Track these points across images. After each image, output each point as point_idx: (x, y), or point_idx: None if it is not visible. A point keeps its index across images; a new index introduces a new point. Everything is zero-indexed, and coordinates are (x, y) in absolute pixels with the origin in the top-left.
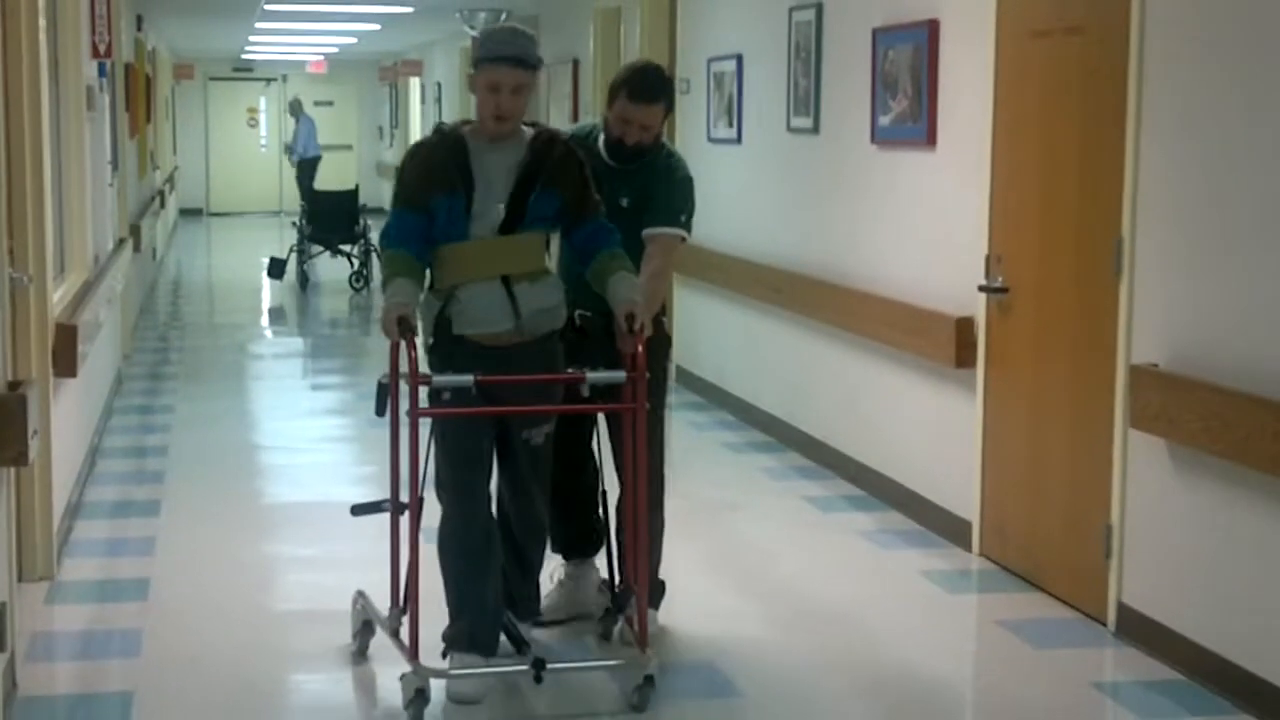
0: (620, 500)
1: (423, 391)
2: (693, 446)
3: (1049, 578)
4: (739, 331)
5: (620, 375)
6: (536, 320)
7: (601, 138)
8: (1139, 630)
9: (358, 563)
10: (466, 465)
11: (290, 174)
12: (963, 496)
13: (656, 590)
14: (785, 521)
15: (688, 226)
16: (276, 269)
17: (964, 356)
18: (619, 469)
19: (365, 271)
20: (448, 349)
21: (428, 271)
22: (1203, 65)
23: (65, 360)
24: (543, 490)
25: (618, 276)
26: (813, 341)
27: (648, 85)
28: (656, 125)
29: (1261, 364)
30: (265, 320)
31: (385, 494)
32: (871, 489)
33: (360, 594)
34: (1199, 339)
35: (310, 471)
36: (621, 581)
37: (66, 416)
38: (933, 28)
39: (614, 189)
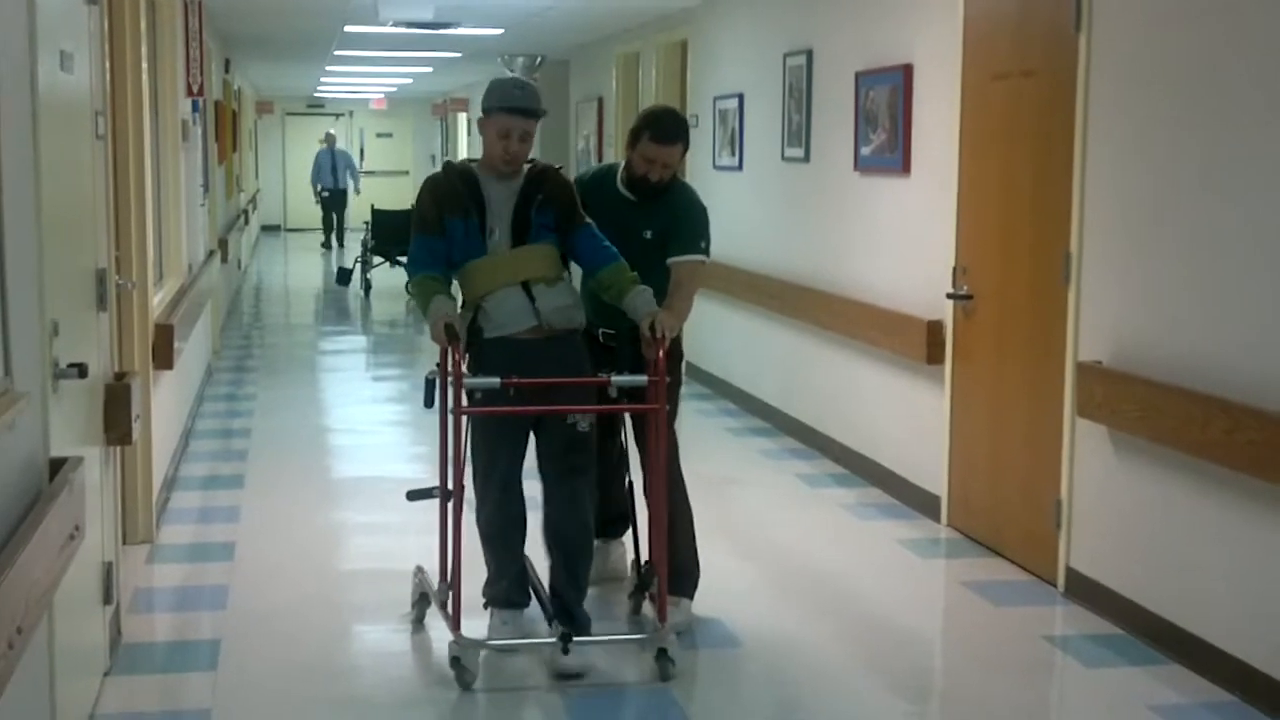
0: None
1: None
2: (700, 431)
3: (1007, 545)
4: (740, 332)
5: (643, 379)
6: (555, 317)
7: (621, 176)
8: (1085, 591)
9: (410, 529)
10: (498, 458)
11: (357, 194)
12: (933, 474)
13: (689, 578)
14: (779, 495)
15: (707, 251)
16: (344, 277)
17: (934, 354)
18: (643, 464)
19: None
20: (481, 352)
21: (456, 288)
22: (1140, 104)
23: (163, 354)
24: (593, 491)
25: (635, 292)
26: (804, 341)
27: (668, 128)
28: (676, 163)
29: (1190, 361)
30: (333, 321)
31: (434, 475)
32: (854, 468)
33: (419, 569)
34: (1137, 339)
35: (371, 451)
36: (647, 562)
37: (164, 403)
38: (907, 71)
39: (636, 222)
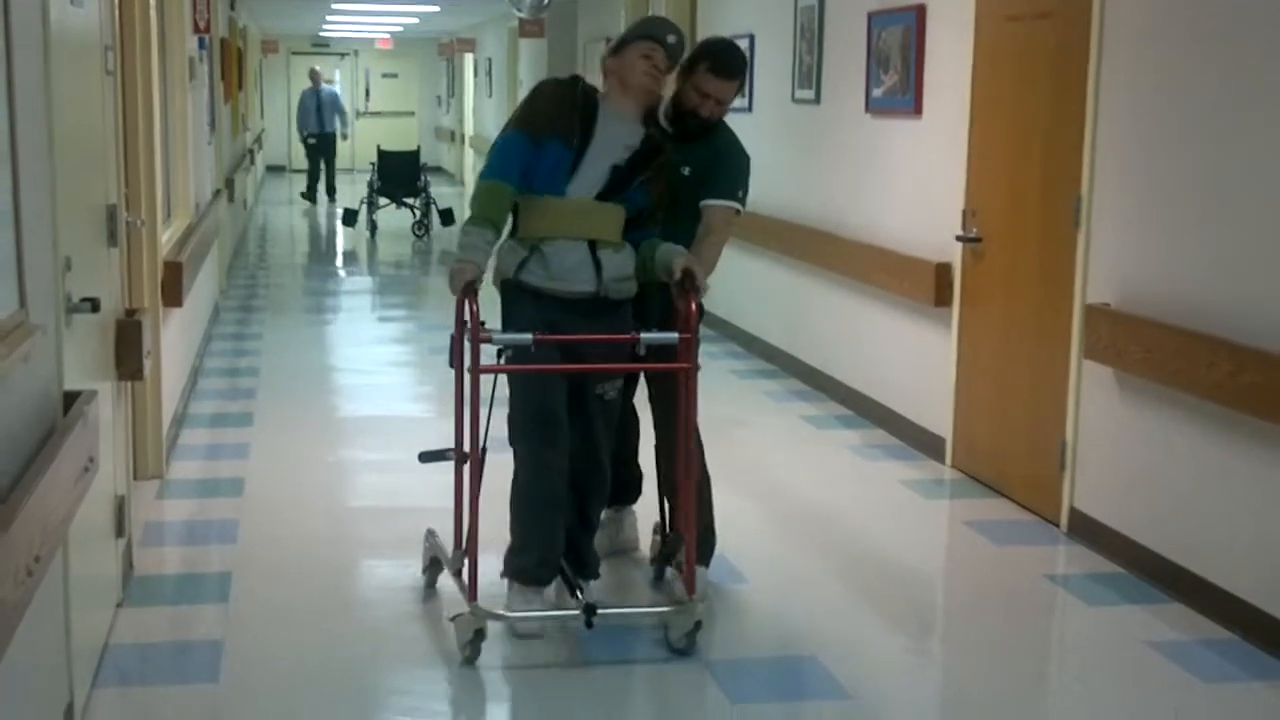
0: (663, 454)
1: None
2: (705, 373)
3: (1011, 486)
4: (748, 274)
5: (674, 336)
6: (614, 286)
7: (665, 108)
8: (1087, 530)
9: (418, 468)
10: (540, 416)
11: (362, 133)
12: (938, 416)
13: (706, 546)
14: (784, 436)
15: (744, 202)
16: (349, 218)
17: (942, 296)
18: (659, 424)
19: (426, 221)
20: (525, 298)
21: (510, 217)
22: (1154, 48)
23: (172, 292)
24: (610, 445)
25: (666, 246)
26: (811, 283)
27: (730, 61)
28: (730, 100)
29: (1197, 304)
30: (339, 262)
31: (439, 414)
32: (859, 409)
33: (430, 532)
34: (1145, 283)
35: (378, 390)
36: (672, 529)
37: (173, 340)
38: (920, 12)
39: (675, 158)
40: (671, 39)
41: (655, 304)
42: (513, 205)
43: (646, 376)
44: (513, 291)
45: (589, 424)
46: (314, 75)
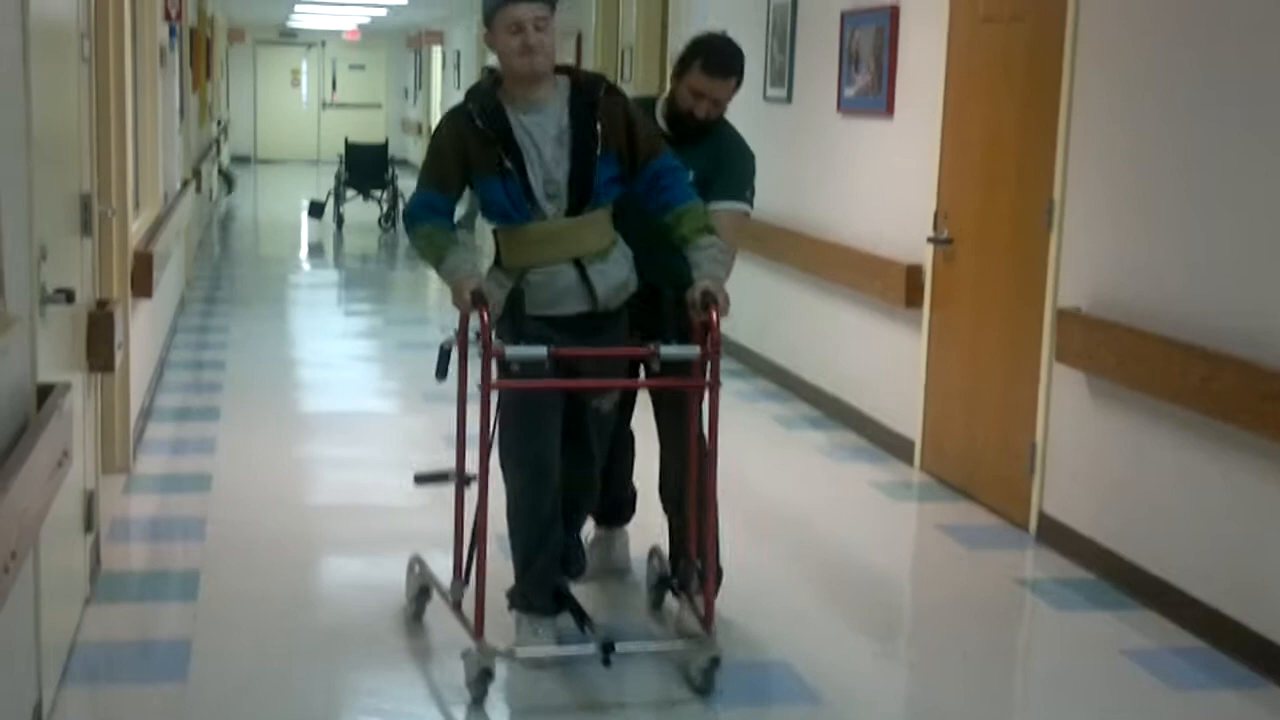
0: (672, 475)
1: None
2: None
3: (981, 489)
4: None
5: (694, 350)
6: (610, 299)
7: (661, 109)
8: (1056, 536)
9: (386, 465)
10: (539, 439)
11: (328, 125)
12: (908, 418)
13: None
14: (754, 437)
15: (751, 202)
16: (316, 210)
17: (913, 298)
18: (668, 444)
19: (393, 214)
20: (518, 323)
21: (495, 249)
22: (1127, 53)
23: (142, 283)
24: (602, 455)
25: (702, 245)
26: (782, 283)
27: (724, 59)
28: (727, 100)
29: (1169, 309)
30: (305, 254)
31: (405, 410)
32: (829, 411)
33: (417, 559)
34: (1117, 287)
35: (344, 385)
36: (684, 558)
37: (141, 332)
38: (894, 12)
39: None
40: None
41: (671, 312)
42: (455, 236)
43: (654, 392)
44: (504, 316)
45: (584, 438)
46: None
